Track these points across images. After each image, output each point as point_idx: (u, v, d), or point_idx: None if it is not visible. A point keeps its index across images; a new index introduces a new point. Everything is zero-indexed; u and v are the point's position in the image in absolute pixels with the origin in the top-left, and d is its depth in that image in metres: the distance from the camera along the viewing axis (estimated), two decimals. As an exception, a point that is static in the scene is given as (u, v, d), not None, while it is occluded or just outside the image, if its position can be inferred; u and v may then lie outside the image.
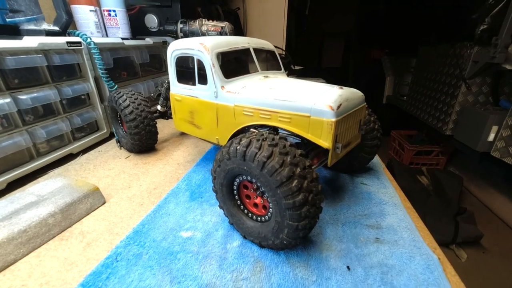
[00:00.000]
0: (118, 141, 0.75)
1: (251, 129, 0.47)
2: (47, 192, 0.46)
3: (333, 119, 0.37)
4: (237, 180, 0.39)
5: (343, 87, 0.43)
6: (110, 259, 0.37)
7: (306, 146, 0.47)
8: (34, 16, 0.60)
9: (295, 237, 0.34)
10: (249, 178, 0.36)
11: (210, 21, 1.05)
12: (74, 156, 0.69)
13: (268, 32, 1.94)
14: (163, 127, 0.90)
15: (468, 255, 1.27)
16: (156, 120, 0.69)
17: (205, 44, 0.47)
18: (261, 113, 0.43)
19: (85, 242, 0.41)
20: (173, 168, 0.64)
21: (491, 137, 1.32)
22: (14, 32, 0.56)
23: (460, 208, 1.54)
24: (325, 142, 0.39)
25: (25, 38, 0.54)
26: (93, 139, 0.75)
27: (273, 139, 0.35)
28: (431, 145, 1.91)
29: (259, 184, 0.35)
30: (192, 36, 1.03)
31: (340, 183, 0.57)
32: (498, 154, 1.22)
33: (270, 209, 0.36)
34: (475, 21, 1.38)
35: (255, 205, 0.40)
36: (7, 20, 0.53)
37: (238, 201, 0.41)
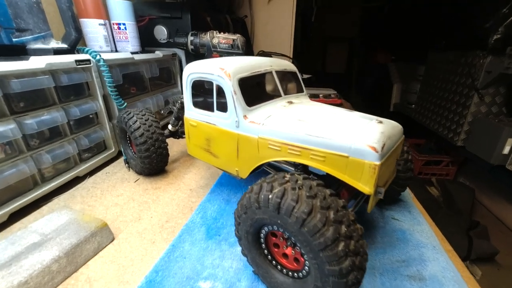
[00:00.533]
0: (126, 162, 0.71)
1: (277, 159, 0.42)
2: (51, 230, 0.42)
3: (377, 162, 0.32)
4: (266, 229, 0.34)
5: (382, 120, 0.38)
6: (121, 320, 0.32)
7: (338, 183, 0.42)
8: (42, 34, 0.56)
9: (338, 305, 0.29)
10: (281, 230, 0.32)
11: (222, 33, 1.02)
12: (80, 179, 0.65)
13: (276, 39, 1.91)
14: (173, 145, 0.86)
15: (483, 272, 1.21)
16: (166, 140, 0.65)
17: (226, 70, 0.43)
18: (289, 148, 0.39)
19: (92, 293, 0.36)
20: (185, 195, 0.60)
21: (506, 149, 1.27)
22: (21, 52, 0.52)
23: (473, 222, 1.48)
24: (365, 186, 0.34)
25: (32, 58, 0.50)
26: (101, 160, 0.71)
27: (310, 188, 0.30)
28: (441, 155, 1.85)
29: (293, 239, 0.31)
30: (202, 49, 1.00)
31: (368, 218, 0.52)
32: (514, 168, 1.17)
33: (306, 267, 0.32)
34: (488, 30, 1.34)
35: (285, 255, 0.35)
36: (14, 40, 0.50)
37: (265, 251, 0.36)
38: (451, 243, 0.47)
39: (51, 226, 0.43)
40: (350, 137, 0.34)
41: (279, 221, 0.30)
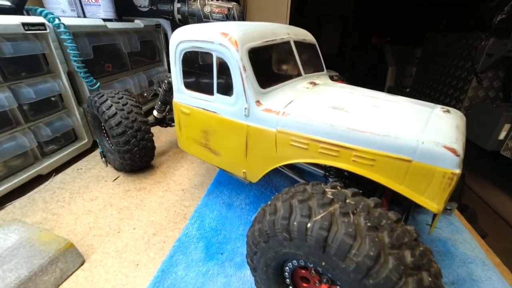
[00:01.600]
0: (103, 156, 0.58)
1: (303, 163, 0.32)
2: (-7, 257, 0.31)
3: (456, 170, 0.23)
4: (293, 263, 0.24)
5: (448, 109, 0.28)
6: None
7: (373, 185, 0.33)
8: (-29, -16, 0.41)
9: None
10: (322, 270, 0.22)
11: (214, 0, 0.87)
12: (45, 178, 0.53)
13: (270, 13, 1.74)
14: (160, 134, 0.74)
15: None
16: (151, 129, 0.53)
17: (231, 36, 0.31)
18: (322, 147, 0.28)
19: None
20: (176, 198, 0.49)
21: (502, 135, 1.26)
22: None
23: (462, 206, 1.49)
24: (431, 202, 0.25)
25: (-46, 16, 0.36)
26: (70, 153, 0.58)
27: (368, 212, 0.20)
28: None
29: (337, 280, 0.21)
30: (192, 19, 0.85)
31: (400, 225, 0.44)
32: (509, 154, 1.16)
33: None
34: (493, 10, 1.27)
35: (317, 293, 0.26)
36: None
37: (290, 287, 0.27)
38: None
39: (-8, 251, 0.32)
40: (413, 133, 0.24)
41: (323, 263, 0.20)
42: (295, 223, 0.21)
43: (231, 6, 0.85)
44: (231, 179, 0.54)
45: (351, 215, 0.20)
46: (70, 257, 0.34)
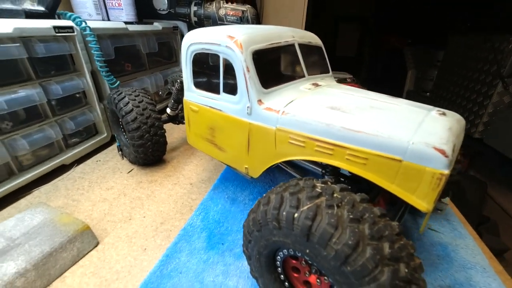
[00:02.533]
0: (120, 149, 0.63)
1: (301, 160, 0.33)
2: (21, 234, 0.35)
3: (445, 171, 0.23)
4: (284, 251, 0.26)
5: (444, 111, 0.29)
6: None
7: (370, 186, 0.33)
8: (12, -8, 0.46)
9: None
10: (308, 259, 0.24)
11: (229, 3, 0.90)
12: (67, 168, 0.57)
13: (286, 15, 1.75)
14: (172, 130, 0.78)
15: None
16: (164, 126, 0.56)
17: (236, 38, 0.33)
18: (318, 145, 0.30)
19: (66, 317, 0.29)
20: (184, 191, 0.52)
21: None
22: (-18, 12, 0.43)
23: (483, 217, 1.41)
24: (422, 201, 0.25)
25: (-3, 21, 0.41)
26: (91, 146, 0.63)
27: (353, 205, 0.21)
28: None
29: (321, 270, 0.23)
30: (207, 21, 0.89)
31: (400, 227, 0.44)
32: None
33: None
34: None
35: (307, 283, 0.27)
36: (-28, -4, 0.40)
37: (282, 276, 0.28)
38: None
39: (21, 229, 0.36)
40: (405, 134, 0.25)
41: (307, 251, 0.21)
42: (284, 213, 0.22)
43: (245, 9, 0.88)
44: (237, 175, 0.56)
45: (335, 208, 0.21)
46: (86, 238, 0.37)
